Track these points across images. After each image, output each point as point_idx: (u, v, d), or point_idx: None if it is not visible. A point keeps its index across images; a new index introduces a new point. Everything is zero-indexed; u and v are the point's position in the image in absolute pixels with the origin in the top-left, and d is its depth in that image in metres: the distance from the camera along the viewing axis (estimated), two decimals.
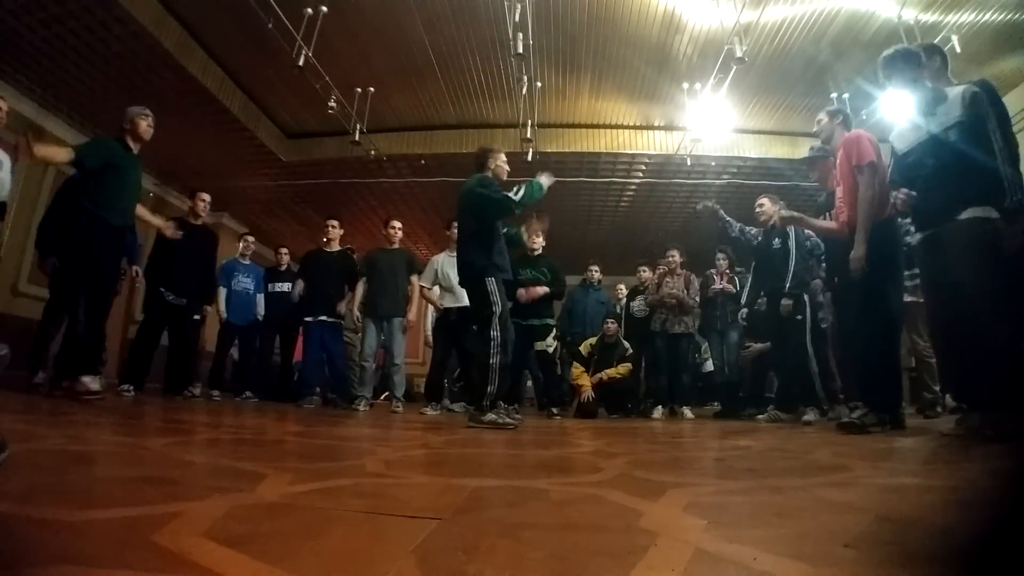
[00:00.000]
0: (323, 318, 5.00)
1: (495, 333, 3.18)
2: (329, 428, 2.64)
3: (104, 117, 6.40)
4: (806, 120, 6.75)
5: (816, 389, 3.95)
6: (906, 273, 4.03)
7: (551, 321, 4.94)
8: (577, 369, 5.09)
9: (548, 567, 0.60)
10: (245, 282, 5.64)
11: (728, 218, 4.58)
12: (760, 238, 4.48)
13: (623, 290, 6.54)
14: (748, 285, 4.83)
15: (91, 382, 3.07)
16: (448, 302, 4.87)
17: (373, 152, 6.98)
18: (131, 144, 3.51)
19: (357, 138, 6.46)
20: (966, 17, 4.85)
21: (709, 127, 6.20)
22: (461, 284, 3.62)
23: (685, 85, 6.01)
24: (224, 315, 5.49)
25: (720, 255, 5.46)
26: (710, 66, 5.34)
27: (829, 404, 4.16)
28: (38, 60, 5.49)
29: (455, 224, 4.92)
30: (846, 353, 3.07)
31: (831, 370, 4.23)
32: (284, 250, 5.98)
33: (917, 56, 2.58)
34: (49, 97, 6.17)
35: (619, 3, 5.15)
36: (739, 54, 4.61)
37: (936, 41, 4.51)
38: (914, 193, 2.58)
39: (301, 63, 5.07)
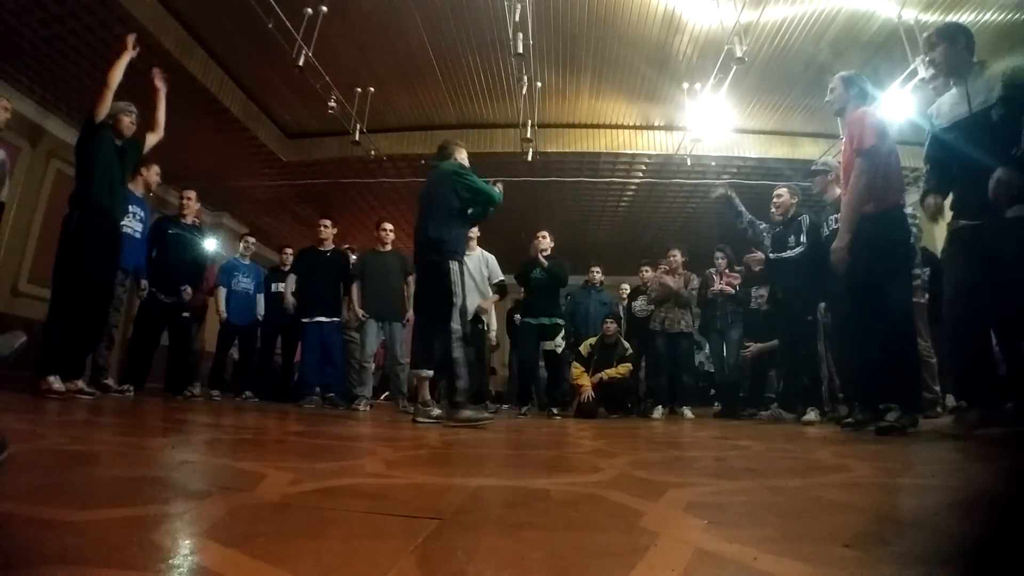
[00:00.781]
0: (320, 319, 4.99)
1: (455, 325, 3.01)
2: (329, 428, 2.63)
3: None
4: (806, 120, 6.77)
5: (822, 390, 3.91)
6: None
7: (560, 321, 4.96)
8: (577, 369, 5.09)
9: (548, 567, 0.60)
10: (245, 282, 5.65)
11: (741, 207, 4.39)
12: (774, 231, 4.30)
13: (627, 289, 6.54)
14: (758, 283, 4.76)
15: (55, 381, 3.05)
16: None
17: (373, 152, 6.99)
18: (115, 141, 3.58)
19: (357, 138, 6.46)
20: (966, 17, 4.85)
21: (709, 127, 6.20)
22: (416, 263, 3.45)
23: (685, 85, 6.02)
24: (224, 315, 5.50)
25: (719, 254, 5.46)
26: (710, 66, 5.34)
27: (830, 404, 4.16)
28: (38, 60, 5.49)
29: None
30: (844, 351, 2.95)
31: (829, 369, 4.22)
32: (288, 250, 5.97)
33: (965, 32, 2.46)
34: (49, 97, 6.17)
35: (619, 3, 5.16)
36: (739, 54, 4.61)
37: None
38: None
39: (301, 63, 5.07)
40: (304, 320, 5.03)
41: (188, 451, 1.49)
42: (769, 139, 7.08)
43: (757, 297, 4.96)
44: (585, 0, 5.15)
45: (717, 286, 5.33)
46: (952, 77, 2.45)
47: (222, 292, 5.51)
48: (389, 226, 5.16)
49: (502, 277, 4.84)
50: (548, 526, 0.80)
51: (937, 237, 5.10)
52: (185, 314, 4.97)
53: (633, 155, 7.35)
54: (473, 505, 0.91)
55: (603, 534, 0.75)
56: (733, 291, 5.25)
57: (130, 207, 4.11)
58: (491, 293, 4.78)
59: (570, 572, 0.58)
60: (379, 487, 1.07)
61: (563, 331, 5.02)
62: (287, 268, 5.76)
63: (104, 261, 3.39)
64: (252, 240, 6.06)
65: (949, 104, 2.45)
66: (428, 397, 3.33)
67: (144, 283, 4.51)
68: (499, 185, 3.44)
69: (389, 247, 5.12)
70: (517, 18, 4.58)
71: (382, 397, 6.78)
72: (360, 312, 4.93)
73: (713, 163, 7.25)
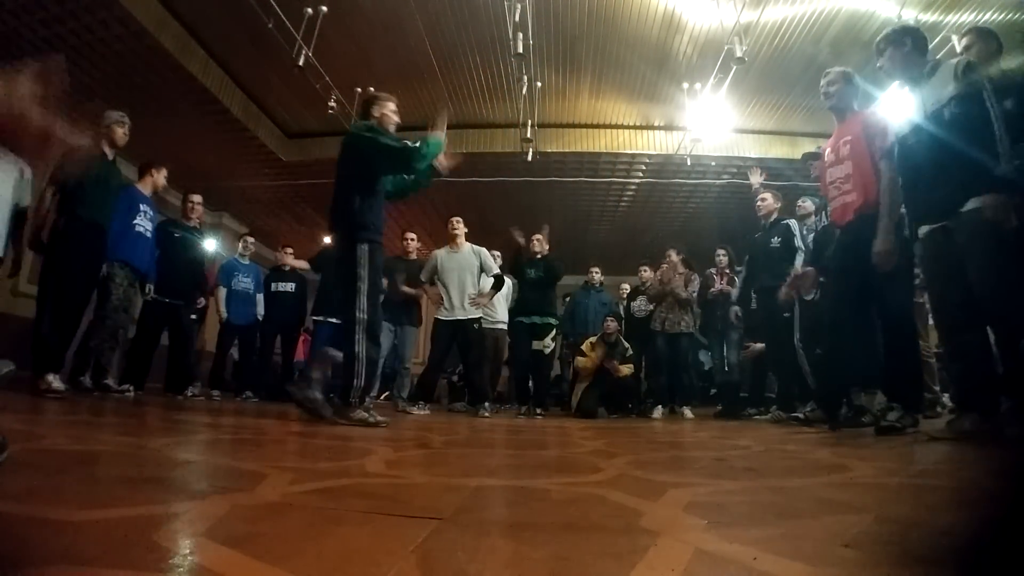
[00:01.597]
0: (333, 320, 5.01)
1: (361, 314, 2.67)
2: (329, 428, 2.63)
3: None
4: (806, 120, 6.77)
5: (809, 384, 3.89)
6: None
7: (552, 320, 4.95)
8: (582, 358, 5.11)
9: (548, 567, 0.60)
10: (245, 282, 5.64)
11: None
12: (758, 233, 4.40)
13: (627, 289, 6.54)
14: (740, 282, 4.81)
15: (54, 380, 3.09)
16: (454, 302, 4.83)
17: None
18: (107, 151, 3.60)
19: None
20: (966, 17, 4.86)
21: (709, 127, 6.21)
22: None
23: (685, 85, 6.02)
24: (224, 315, 5.49)
25: (720, 252, 5.45)
26: (710, 66, 5.35)
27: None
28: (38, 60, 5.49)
29: (455, 219, 4.91)
30: (836, 347, 2.85)
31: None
32: (289, 250, 5.96)
33: (912, 33, 2.45)
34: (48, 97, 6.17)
35: (619, 3, 5.16)
36: (739, 54, 4.62)
37: (936, 41, 4.52)
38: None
39: (301, 63, 5.07)
40: (317, 318, 5.05)
41: (188, 451, 1.49)
42: (769, 139, 7.08)
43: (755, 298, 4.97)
44: (585, 0, 5.15)
45: (717, 286, 5.32)
46: (905, 81, 2.43)
47: (222, 292, 5.51)
48: (412, 235, 5.32)
49: (497, 271, 4.81)
50: (548, 526, 0.80)
51: None
52: (192, 316, 4.99)
53: (633, 155, 7.35)
54: (473, 505, 0.92)
55: (603, 534, 0.75)
56: (734, 291, 5.23)
57: (141, 206, 4.13)
58: (486, 289, 4.76)
59: (570, 572, 0.58)
60: (379, 487, 1.07)
61: (554, 331, 5.00)
62: (287, 268, 5.77)
63: (87, 266, 3.47)
64: (251, 240, 6.05)
65: (911, 108, 2.44)
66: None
67: (149, 287, 4.52)
68: (439, 133, 2.91)
69: (414, 256, 5.21)
70: (517, 18, 4.58)
71: (382, 397, 6.79)
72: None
73: (713, 163, 7.25)
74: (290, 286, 5.66)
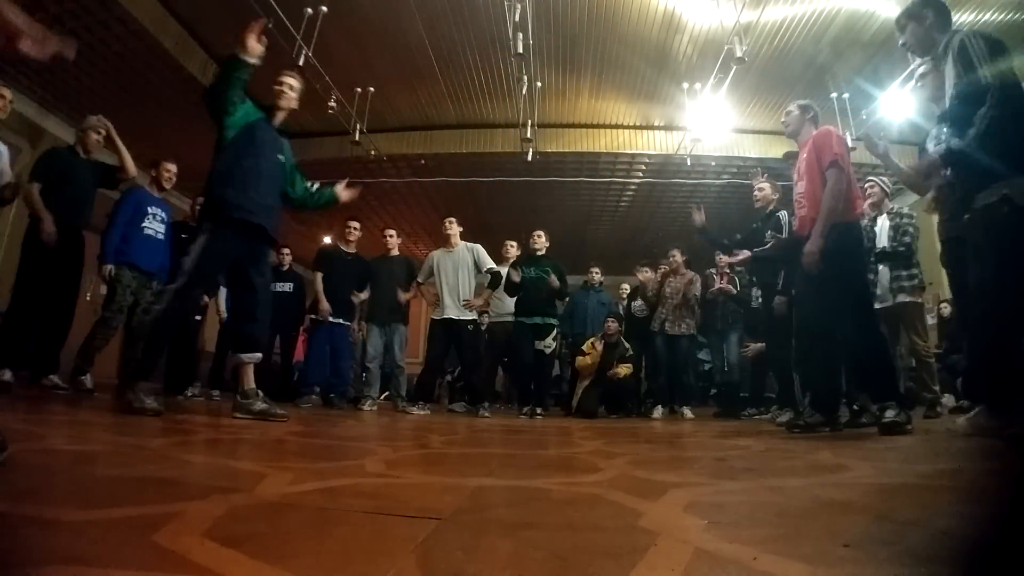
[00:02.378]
0: (338, 320, 5.02)
1: (176, 285, 2.49)
2: (329, 428, 2.64)
3: (104, 117, 6.40)
4: None
5: (795, 388, 3.82)
6: (903, 273, 4.01)
7: (554, 321, 4.93)
8: (582, 357, 5.11)
9: (548, 567, 0.60)
10: None
11: (713, 236, 4.52)
12: (752, 232, 4.28)
13: (627, 289, 6.54)
14: (748, 278, 4.75)
15: (4, 373, 3.18)
16: (447, 302, 4.85)
17: (373, 152, 6.99)
18: (80, 152, 3.71)
19: (357, 138, 6.46)
20: (966, 17, 4.86)
21: (709, 127, 6.20)
22: None
23: (685, 85, 6.01)
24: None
25: (674, 251, 5.44)
26: (710, 66, 5.34)
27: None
28: (38, 60, 5.49)
29: (449, 220, 4.90)
30: (818, 350, 2.79)
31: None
32: (286, 250, 5.97)
33: (934, 7, 2.34)
34: (49, 97, 6.17)
35: (619, 3, 5.15)
36: (739, 54, 4.61)
37: None
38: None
39: (301, 63, 5.07)
40: (313, 317, 5.05)
41: (188, 451, 1.48)
42: (769, 139, 7.08)
43: (756, 297, 4.93)
44: (585, 0, 5.15)
45: (717, 285, 5.32)
46: (929, 57, 2.40)
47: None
48: (391, 232, 5.24)
49: (492, 265, 4.79)
50: (548, 526, 0.80)
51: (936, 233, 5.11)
52: (197, 317, 4.99)
53: (633, 155, 7.35)
54: (473, 505, 0.92)
55: (603, 534, 0.75)
56: (734, 290, 5.23)
57: (149, 208, 4.13)
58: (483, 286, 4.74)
59: (570, 572, 0.58)
60: (379, 487, 1.07)
61: (555, 331, 4.99)
62: (285, 269, 5.76)
63: (61, 265, 3.53)
64: None
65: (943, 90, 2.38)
66: (252, 386, 2.77)
67: (157, 285, 4.52)
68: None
69: (396, 252, 5.15)
70: (517, 18, 4.58)
71: (381, 397, 6.79)
72: (363, 297, 5.04)
73: (713, 163, 7.25)
74: (288, 286, 5.65)
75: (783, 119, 3.12)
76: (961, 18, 4.88)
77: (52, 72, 5.65)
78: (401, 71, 6.20)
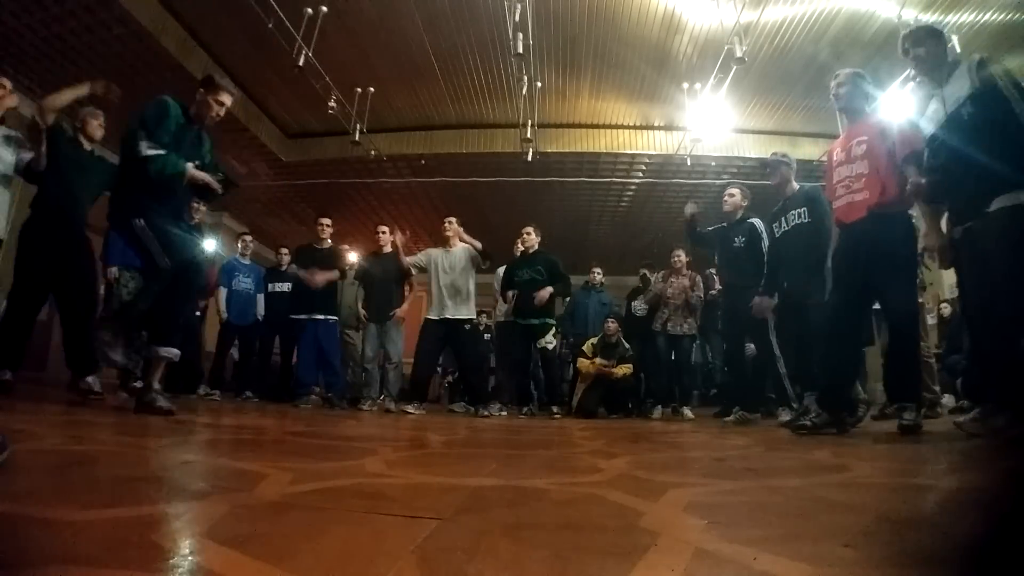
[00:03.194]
0: (315, 316, 5.00)
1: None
2: (329, 428, 2.64)
3: (104, 117, 6.40)
4: (806, 120, 6.77)
5: (786, 388, 3.83)
6: None
7: (551, 320, 4.91)
8: (584, 361, 5.10)
9: (548, 567, 0.60)
10: (245, 282, 5.64)
11: (694, 232, 4.50)
12: (720, 230, 4.31)
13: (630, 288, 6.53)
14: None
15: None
16: (445, 302, 4.79)
17: (373, 152, 6.99)
18: (83, 141, 3.58)
19: (357, 138, 6.46)
20: (966, 17, 4.86)
21: (709, 127, 6.20)
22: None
23: (685, 85, 6.02)
24: (224, 315, 5.49)
25: (678, 252, 5.42)
26: (710, 66, 5.34)
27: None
28: (38, 60, 5.49)
29: (449, 220, 4.87)
30: (839, 348, 2.71)
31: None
32: (285, 250, 5.97)
33: (939, 32, 2.45)
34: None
35: (619, 3, 5.16)
36: (739, 54, 4.61)
37: None
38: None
39: (301, 63, 5.07)
40: (298, 317, 5.03)
41: (188, 451, 1.49)
42: (769, 139, 7.08)
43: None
44: (585, 0, 5.15)
45: (719, 285, 5.29)
46: (933, 77, 2.44)
47: (222, 292, 5.51)
48: (384, 228, 5.22)
49: (479, 244, 4.72)
50: (548, 526, 0.80)
51: None
52: (197, 312, 5.00)
53: (633, 155, 7.35)
54: (473, 505, 0.92)
55: (603, 534, 0.75)
56: None
57: None
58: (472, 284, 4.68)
59: (570, 572, 0.58)
60: (379, 487, 1.07)
61: (554, 328, 4.93)
62: (284, 268, 5.77)
63: (57, 261, 3.30)
64: (250, 239, 6.05)
65: (931, 111, 2.45)
66: (157, 384, 2.76)
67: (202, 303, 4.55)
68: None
69: (388, 249, 5.13)
70: (517, 18, 4.58)
71: (381, 398, 6.79)
72: (363, 314, 4.97)
73: (713, 163, 7.25)
74: (287, 286, 5.65)
75: (833, 89, 2.82)
76: (961, 18, 4.89)
77: (52, 72, 5.65)
78: (401, 71, 6.20)
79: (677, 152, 6.93)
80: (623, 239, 9.87)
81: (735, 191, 4.30)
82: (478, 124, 7.23)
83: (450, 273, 4.66)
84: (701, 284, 5.36)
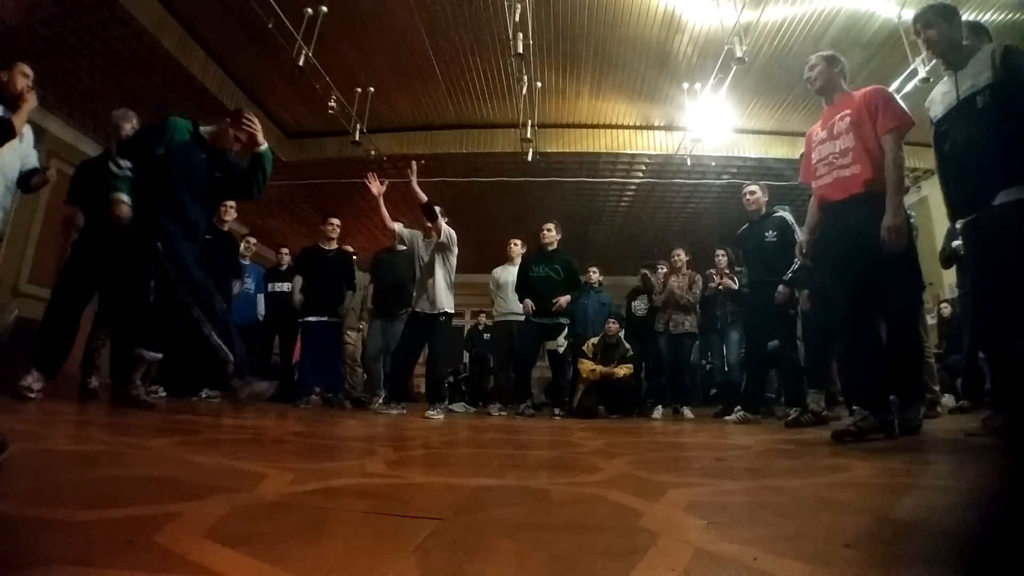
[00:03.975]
0: (324, 318, 4.99)
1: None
2: (329, 428, 2.64)
3: (104, 117, 6.38)
4: (806, 120, 6.75)
5: (803, 388, 3.81)
6: None
7: (564, 320, 4.82)
8: (585, 363, 5.09)
9: (548, 567, 0.60)
10: (247, 282, 5.64)
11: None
12: (748, 230, 4.28)
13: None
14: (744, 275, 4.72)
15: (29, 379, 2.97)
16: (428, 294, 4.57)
17: (373, 152, 6.99)
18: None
19: (357, 138, 6.46)
20: (966, 17, 4.83)
21: (709, 127, 6.20)
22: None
23: (685, 85, 6.01)
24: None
25: (720, 252, 5.43)
26: (710, 66, 5.34)
27: (827, 406, 4.11)
28: (38, 60, 5.48)
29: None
30: (851, 347, 2.53)
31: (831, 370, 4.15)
32: (285, 250, 5.98)
33: (953, 11, 2.33)
34: (49, 97, 6.16)
35: (619, 3, 5.16)
36: (739, 54, 4.61)
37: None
38: None
39: (301, 63, 5.07)
40: (304, 319, 5.04)
41: (188, 451, 1.48)
42: (769, 139, 7.08)
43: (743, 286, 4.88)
44: (585, 0, 5.15)
45: (718, 280, 5.24)
46: (947, 59, 2.33)
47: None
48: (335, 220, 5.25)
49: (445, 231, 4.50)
50: (548, 526, 0.80)
51: (936, 233, 5.10)
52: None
53: (633, 155, 7.35)
54: (473, 505, 0.92)
55: (603, 534, 0.75)
56: (735, 285, 5.16)
57: None
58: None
59: (570, 572, 0.58)
60: (379, 487, 1.07)
61: (566, 330, 4.91)
62: (284, 268, 5.77)
63: (93, 262, 3.23)
64: (253, 240, 6.06)
65: (940, 93, 2.33)
66: (139, 381, 2.96)
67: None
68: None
69: (401, 246, 5.04)
70: (517, 18, 4.57)
71: (379, 401, 6.79)
72: (363, 313, 4.96)
73: (713, 163, 7.25)
74: (287, 286, 5.65)
75: (806, 73, 2.72)
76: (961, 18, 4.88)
77: (52, 72, 5.65)
78: (401, 71, 6.20)
79: (677, 152, 6.93)
80: (623, 239, 9.87)
81: (755, 188, 4.28)
82: (478, 124, 7.23)
83: (422, 258, 4.46)
84: (700, 283, 5.36)
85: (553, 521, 0.84)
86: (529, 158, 6.61)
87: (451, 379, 7.93)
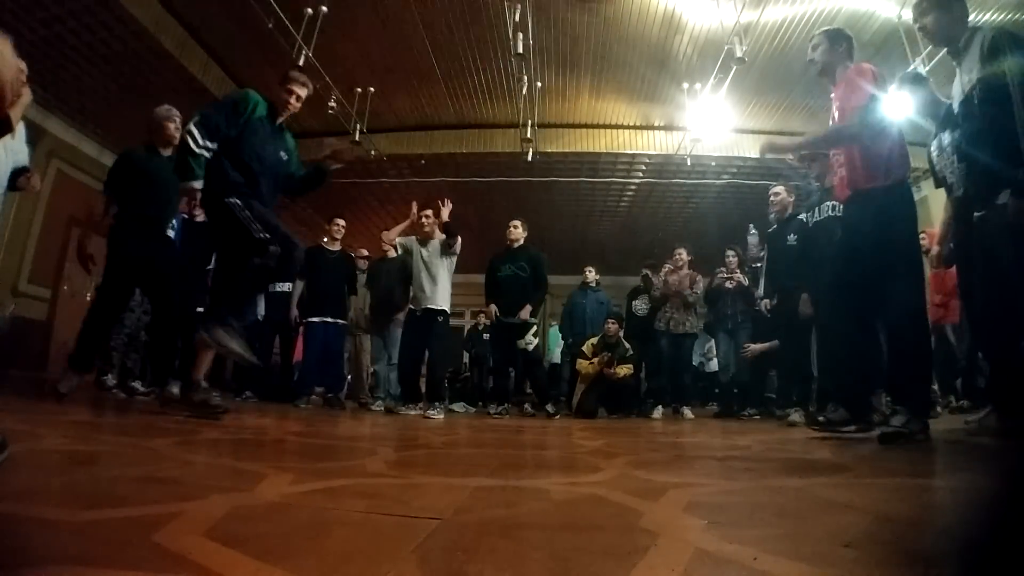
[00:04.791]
0: (326, 319, 5.00)
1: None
2: (329, 428, 2.64)
3: (104, 117, 6.40)
4: (806, 120, 6.76)
5: (811, 389, 3.80)
6: None
7: (532, 320, 4.74)
8: (584, 363, 5.08)
9: (548, 567, 0.60)
10: None
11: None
12: (772, 229, 4.22)
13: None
14: (763, 278, 4.61)
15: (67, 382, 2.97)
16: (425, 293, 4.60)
17: (373, 152, 6.99)
18: (160, 150, 3.36)
19: (357, 138, 6.46)
20: None
21: (709, 127, 6.20)
22: None
23: (685, 85, 6.01)
24: None
25: (730, 252, 5.35)
26: (710, 66, 5.34)
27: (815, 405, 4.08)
28: (38, 60, 5.48)
29: (425, 213, 4.63)
30: (831, 343, 2.54)
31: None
32: None
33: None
34: (49, 97, 6.17)
35: (619, 3, 5.15)
36: (739, 54, 4.61)
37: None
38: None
39: (301, 63, 5.07)
40: (309, 320, 5.05)
41: (188, 451, 1.48)
42: (769, 139, 7.07)
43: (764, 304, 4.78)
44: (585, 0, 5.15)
45: (735, 279, 5.16)
46: (949, 49, 2.26)
47: None
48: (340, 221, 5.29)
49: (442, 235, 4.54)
50: (548, 526, 0.80)
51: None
52: (200, 309, 5.01)
53: (633, 155, 7.35)
54: (473, 505, 0.92)
55: (603, 534, 0.75)
56: (746, 283, 5.09)
57: None
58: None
59: (570, 572, 0.58)
60: (379, 487, 1.07)
61: (534, 328, 4.80)
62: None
63: (127, 259, 3.20)
64: None
65: (955, 83, 2.20)
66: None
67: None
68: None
69: (392, 255, 5.09)
70: (517, 18, 4.57)
71: (377, 403, 6.80)
72: (366, 315, 4.99)
73: (713, 163, 7.25)
74: (287, 286, 5.65)
75: (809, 54, 2.56)
76: None
77: (52, 72, 5.65)
78: (401, 71, 6.20)
79: (677, 152, 6.93)
80: (623, 239, 9.87)
81: (779, 189, 4.21)
82: (478, 124, 7.23)
83: (428, 262, 4.47)
84: (700, 282, 5.35)
85: (553, 521, 0.84)
86: (529, 158, 6.62)
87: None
